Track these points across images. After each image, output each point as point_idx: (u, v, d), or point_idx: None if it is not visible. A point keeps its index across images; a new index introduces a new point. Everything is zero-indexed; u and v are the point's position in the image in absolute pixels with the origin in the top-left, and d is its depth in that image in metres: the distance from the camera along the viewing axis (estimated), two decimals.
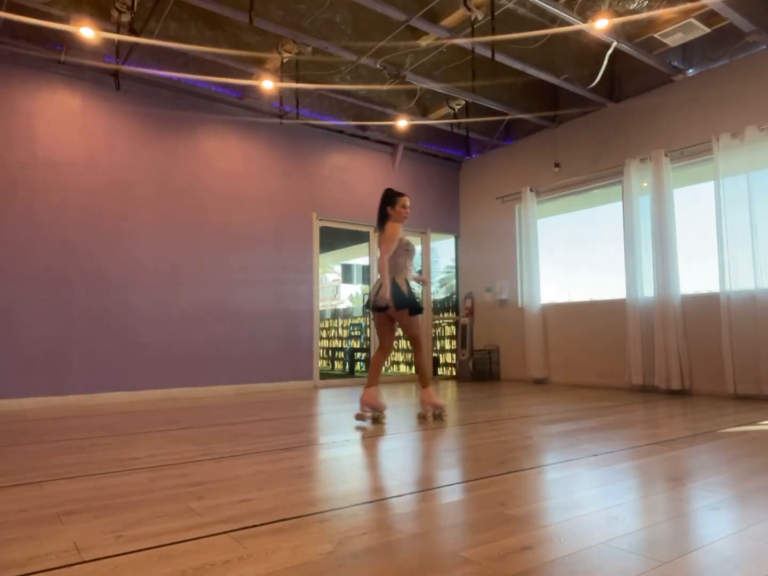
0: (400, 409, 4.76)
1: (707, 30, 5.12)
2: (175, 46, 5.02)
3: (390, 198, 4.17)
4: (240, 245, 6.45)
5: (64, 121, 5.48)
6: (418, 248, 8.35)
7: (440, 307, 8.97)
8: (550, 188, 7.19)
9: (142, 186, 5.86)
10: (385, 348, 4.25)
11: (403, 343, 9.51)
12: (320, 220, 7.15)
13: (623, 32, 5.20)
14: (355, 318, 10.94)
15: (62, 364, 5.30)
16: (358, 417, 4.07)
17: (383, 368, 4.47)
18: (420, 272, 4.46)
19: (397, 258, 4.10)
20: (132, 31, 4.71)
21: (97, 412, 4.74)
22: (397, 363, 9.63)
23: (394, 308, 4.00)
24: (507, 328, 7.65)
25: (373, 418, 4.09)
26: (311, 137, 7.10)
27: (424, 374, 4.16)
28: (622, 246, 6.25)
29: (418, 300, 4.13)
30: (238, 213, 6.46)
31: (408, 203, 4.19)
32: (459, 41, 5.14)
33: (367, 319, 7.85)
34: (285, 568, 1.52)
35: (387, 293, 3.92)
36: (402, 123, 6.95)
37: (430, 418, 4.10)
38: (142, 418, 4.40)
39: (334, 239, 9.31)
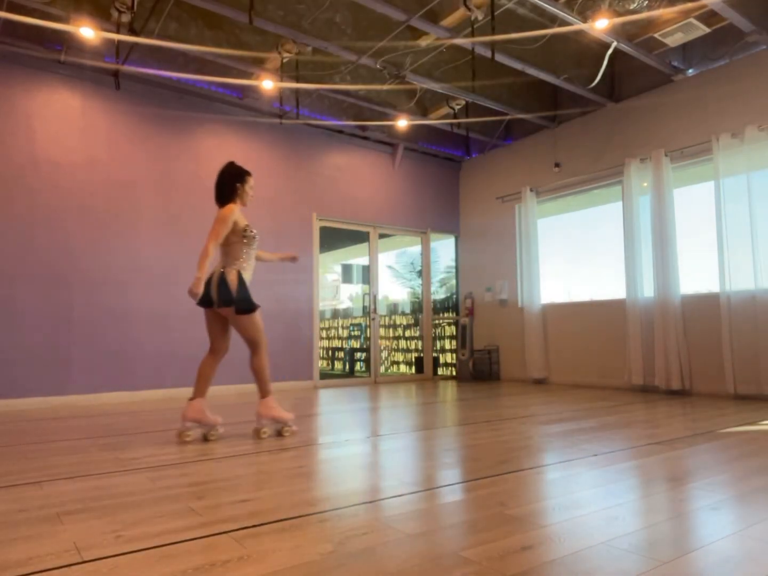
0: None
1: (707, 30, 5.12)
2: (175, 46, 5.02)
3: (241, 174, 3.60)
4: None
5: (64, 121, 5.48)
6: (417, 248, 8.36)
7: (440, 307, 8.98)
8: (550, 188, 7.19)
9: (142, 186, 5.86)
10: (216, 350, 3.57)
11: (404, 343, 9.51)
12: (320, 220, 7.16)
13: (623, 32, 5.20)
14: (355, 318, 10.95)
15: (62, 364, 5.30)
16: (180, 435, 3.43)
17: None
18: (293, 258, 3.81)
19: (230, 246, 3.48)
20: (132, 31, 4.71)
21: (97, 412, 4.74)
22: (397, 363, 9.64)
23: (219, 304, 3.39)
24: (507, 328, 7.66)
25: (203, 435, 3.52)
26: (311, 137, 7.10)
27: (263, 382, 3.52)
28: (622, 246, 6.25)
29: (248, 297, 3.44)
30: None
31: (253, 184, 3.69)
32: (459, 41, 5.14)
33: (367, 319, 7.84)
34: (285, 568, 1.52)
35: (197, 286, 3.26)
36: (402, 123, 6.95)
37: (266, 434, 3.51)
38: (142, 418, 4.40)
39: (334, 239, 9.30)
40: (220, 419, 3.54)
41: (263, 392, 3.52)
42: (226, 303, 3.38)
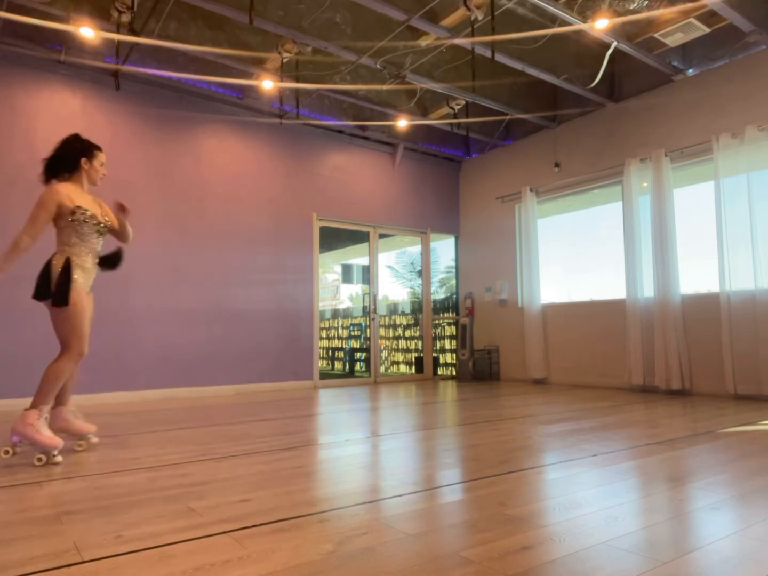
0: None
1: (707, 30, 5.12)
2: (175, 46, 5.02)
3: (89, 148, 3.12)
4: (240, 245, 6.45)
5: (64, 121, 5.47)
6: (417, 248, 8.35)
7: (440, 307, 8.98)
8: (550, 188, 7.19)
9: (142, 186, 5.86)
10: (66, 350, 2.97)
11: (404, 343, 9.51)
12: (320, 220, 7.15)
13: (623, 32, 5.19)
14: (355, 318, 10.95)
15: None
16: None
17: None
18: None
19: (60, 230, 3.00)
20: (132, 31, 4.71)
21: (97, 412, 4.74)
22: (397, 363, 9.64)
23: (34, 294, 2.92)
24: (507, 328, 7.65)
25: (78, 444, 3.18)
26: (311, 137, 7.10)
27: (43, 391, 2.82)
28: (622, 246, 6.25)
29: (66, 288, 2.89)
30: (238, 213, 6.46)
31: (104, 161, 3.23)
32: (459, 41, 5.14)
33: (367, 319, 7.84)
34: (285, 568, 1.52)
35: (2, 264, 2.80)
36: (402, 123, 6.95)
37: (8, 454, 2.82)
38: (142, 418, 4.40)
39: (334, 239, 9.32)
40: (92, 427, 3.19)
41: (34, 401, 2.82)
42: (39, 294, 2.89)
